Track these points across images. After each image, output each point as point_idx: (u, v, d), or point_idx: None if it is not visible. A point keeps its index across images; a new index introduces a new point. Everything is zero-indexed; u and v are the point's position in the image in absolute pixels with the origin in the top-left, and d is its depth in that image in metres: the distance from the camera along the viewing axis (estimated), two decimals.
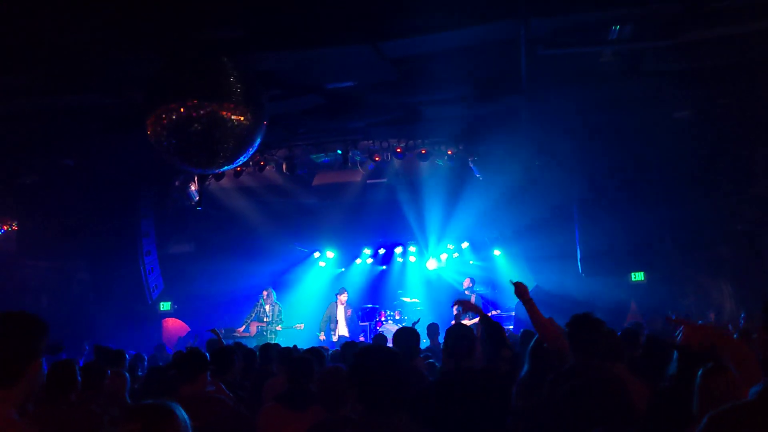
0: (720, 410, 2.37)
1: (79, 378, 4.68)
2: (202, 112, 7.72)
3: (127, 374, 5.41)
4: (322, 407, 4.02)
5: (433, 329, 10.38)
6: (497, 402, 4.39)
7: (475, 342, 4.65)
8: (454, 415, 4.21)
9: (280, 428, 4.29)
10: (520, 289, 4.97)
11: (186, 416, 2.35)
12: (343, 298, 14.64)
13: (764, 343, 2.66)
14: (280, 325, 13.70)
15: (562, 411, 2.93)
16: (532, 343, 5.43)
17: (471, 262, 16.81)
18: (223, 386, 5.15)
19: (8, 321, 2.41)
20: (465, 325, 5.07)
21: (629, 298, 13.40)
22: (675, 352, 4.15)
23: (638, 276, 13.20)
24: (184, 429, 2.31)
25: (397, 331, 5.68)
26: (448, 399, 4.27)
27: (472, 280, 14.29)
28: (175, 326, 16.01)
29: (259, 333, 13.50)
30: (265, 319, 13.65)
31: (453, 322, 12.85)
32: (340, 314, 14.42)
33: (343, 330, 14.30)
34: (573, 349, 4.48)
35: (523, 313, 5.36)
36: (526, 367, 5.40)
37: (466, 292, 13.88)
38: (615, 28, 8.01)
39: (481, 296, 14.01)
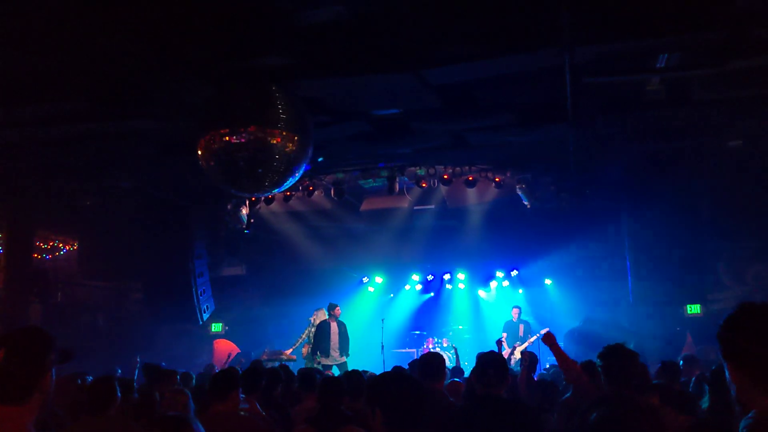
0: None
1: (119, 394, 4.83)
2: (249, 138, 7.91)
3: (189, 392, 5.49)
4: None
5: None
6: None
7: (507, 371, 4.67)
8: None
9: None
10: (549, 338, 5.57)
11: (202, 429, 2.72)
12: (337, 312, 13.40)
13: None
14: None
15: None
16: None
17: (520, 291, 16.64)
18: (258, 405, 5.25)
19: (17, 339, 2.47)
20: (498, 353, 5.12)
21: (685, 330, 13.07)
22: (706, 385, 4.10)
23: (694, 308, 12.83)
24: None
25: (423, 354, 5.80)
26: (474, 423, 4.27)
27: (520, 311, 14.17)
28: (225, 347, 16.27)
29: (308, 355, 13.40)
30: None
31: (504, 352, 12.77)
32: (333, 330, 13.10)
33: (335, 351, 12.89)
34: (606, 379, 4.47)
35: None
36: (570, 391, 5.47)
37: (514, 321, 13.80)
38: (663, 56, 7.93)
39: (528, 325, 13.84)
